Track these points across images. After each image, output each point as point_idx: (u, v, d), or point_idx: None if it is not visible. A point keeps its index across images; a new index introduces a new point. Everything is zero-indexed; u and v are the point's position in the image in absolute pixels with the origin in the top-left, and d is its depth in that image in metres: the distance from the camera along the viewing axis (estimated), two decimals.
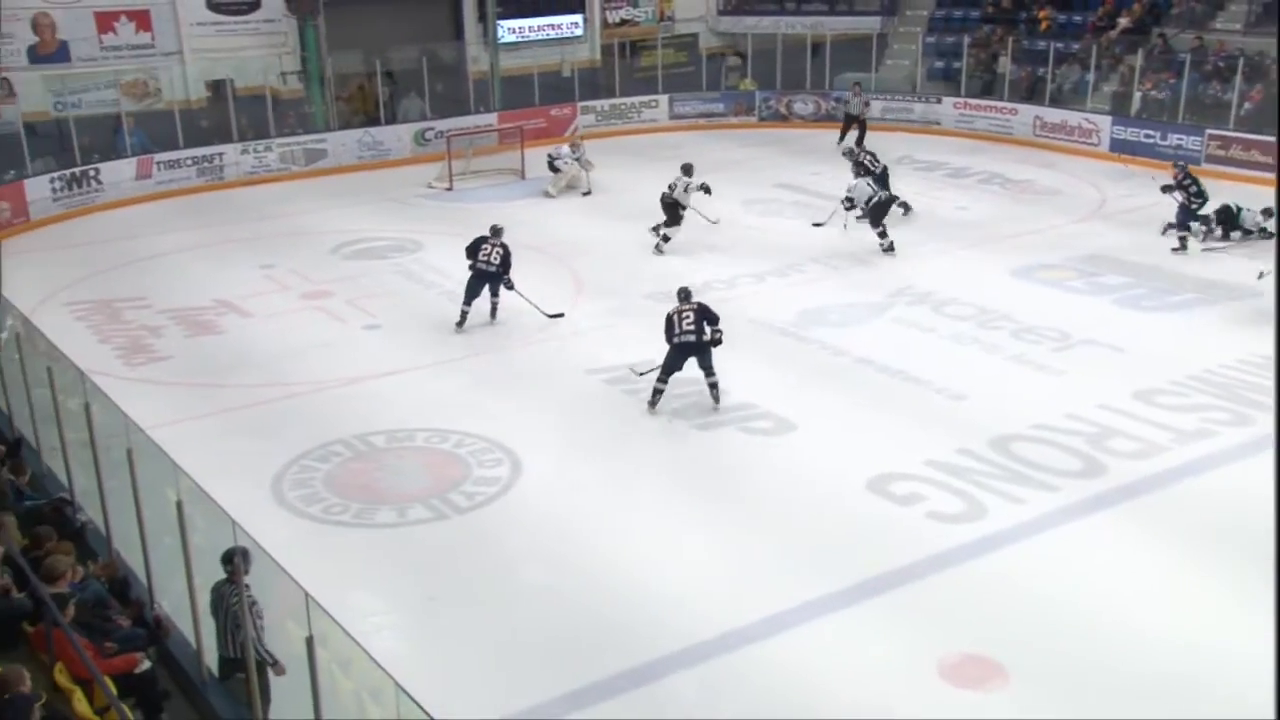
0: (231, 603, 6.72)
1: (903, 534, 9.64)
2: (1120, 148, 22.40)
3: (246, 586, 6.73)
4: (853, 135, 23.56)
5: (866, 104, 24.55)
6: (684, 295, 12.52)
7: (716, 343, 12.01)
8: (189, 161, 21.84)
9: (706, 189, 17.45)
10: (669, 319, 12.17)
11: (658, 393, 12.03)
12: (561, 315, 14.68)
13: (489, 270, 14.21)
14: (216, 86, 22.89)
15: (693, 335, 11.94)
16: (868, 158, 19.02)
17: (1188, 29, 23.60)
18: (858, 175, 18.20)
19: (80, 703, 6.45)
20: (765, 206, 20.03)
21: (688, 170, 17.53)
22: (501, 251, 14.26)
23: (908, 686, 7.84)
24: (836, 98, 26.42)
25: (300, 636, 5.80)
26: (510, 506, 10.28)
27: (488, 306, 14.56)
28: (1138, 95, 22.91)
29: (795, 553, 9.42)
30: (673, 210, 17.51)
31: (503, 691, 7.87)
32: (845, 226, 17.78)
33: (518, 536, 9.82)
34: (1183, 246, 16.95)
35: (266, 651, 6.84)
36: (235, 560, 6.58)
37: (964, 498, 10.13)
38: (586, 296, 15.59)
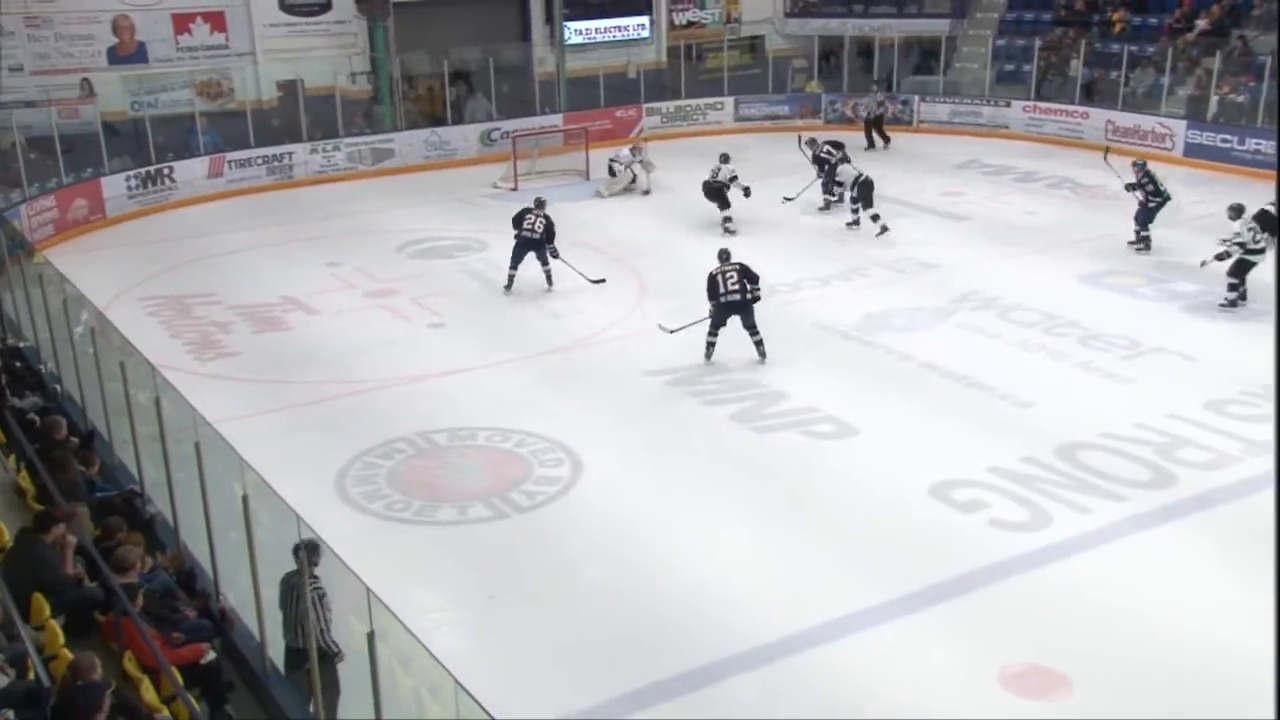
0: (302, 592, 6.83)
1: (965, 541, 9.53)
2: (1195, 153, 21.96)
3: (316, 578, 6.88)
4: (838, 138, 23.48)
5: (881, 104, 25.13)
6: (725, 256, 13.60)
7: (757, 299, 13.07)
8: (259, 160, 22.21)
9: (747, 191, 18.44)
10: (712, 278, 13.15)
11: (710, 345, 13.20)
12: (603, 281, 15.69)
13: (533, 238, 15.48)
14: (287, 86, 23.23)
15: (737, 295, 12.96)
16: (826, 149, 19.50)
17: (1269, 31, 23.04)
18: (817, 165, 19.44)
19: (148, 691, 6.58)
20: (829, 210, 19.86)
21: (725, 159, 18.68)
22: (544, 221, 15.52)
23: (969, 695, 7.74)
24: (904, 100, 26.23)
25: (362, 632, 5.87)
26: (570, 506, 10.31)
27: (540, 276, 15.78)
28: (1214, 99, 22.41)
29: (856, 557, 9.35)
30: (719, 195, 18.43)
31: (562, 691, 7.89)
32: (828, 205, 19.27)
33: (578, 536, 9.85)
34: (1145, 247, 16.87)
35: (332, 641, 6.97)
36: (302, 553, 6.73)
37: (1028, 506, 9.99)
38: (649, 297, 15.60)
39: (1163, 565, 9.16)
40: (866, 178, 18.33)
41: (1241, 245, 14.44)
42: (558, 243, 15.69)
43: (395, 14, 24.20)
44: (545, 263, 15.69)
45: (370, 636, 5.80)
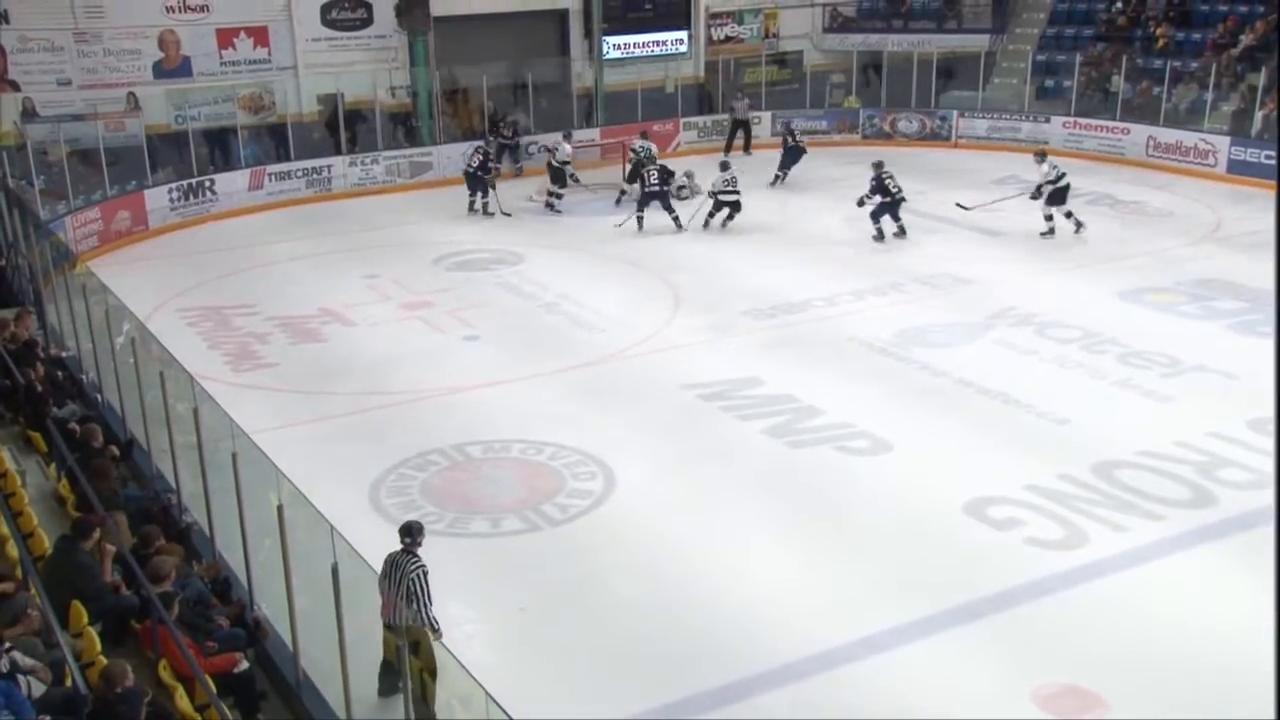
0: (407, 570, 7.34)
1: (1000, 559, 9.44)
2: (1239, 169, 21.71)
3: (418, 557, 7.47)
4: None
5: (750, 107, 25.68)
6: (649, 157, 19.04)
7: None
8: (299, 173, 22.45)
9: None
10: (639, 173, 19.56)
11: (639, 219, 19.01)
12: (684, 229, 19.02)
13: (655, 190, 19.28)
14: (328, 100, 23.48)
15: (656, 187, 18.85)
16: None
17: None
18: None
19: (182, 699, 6.64)
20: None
21: (724, 167, 19.73)
22: (658, 172, 19.51)
23: (1003, 714, 7.66)
24: (942, 116, 26.15)
25: (393, 643, 5.89)
26: (603, 520, 10.31)
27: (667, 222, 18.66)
28: (1259, 115, 22.15)
29: (890, 574, 9.28)
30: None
31: (591, 703, 7.88)
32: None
33: (610, 549, 9.84)
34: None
35: (433, 618, 7.39)
36: (414, 532, 7.60)
37: (1064, 524, 9.88)
38: (684, 312, 15.61)
39: (1201, 586, 9.03)
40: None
41: (1052, 183, 18.29)
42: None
43: (435, 28, 24.40)
44: (669, 210, 19.21)
45: (400, 649, 5.83)
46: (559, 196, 21.35)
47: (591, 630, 8.71)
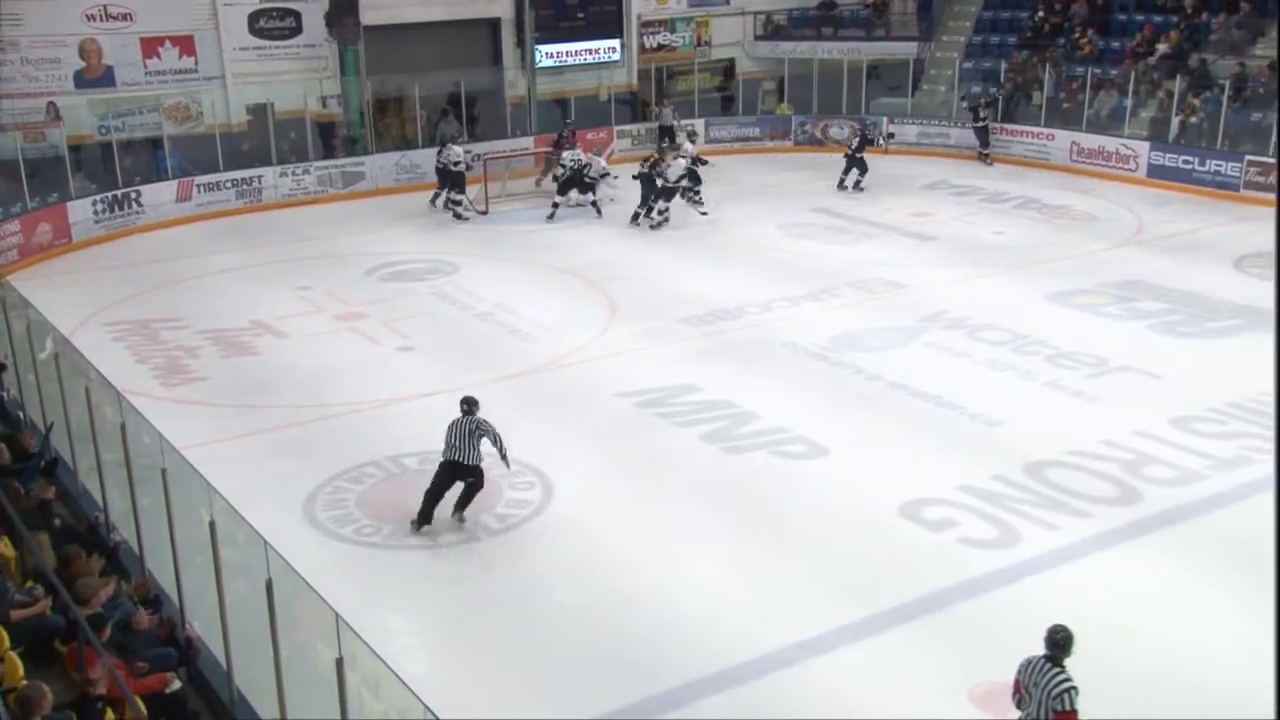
0: (480, 424, 10.07)
1: (935, 560, 9.56)
2: (1158, 173, 22.27)
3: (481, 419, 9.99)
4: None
5: (676, 114, 26.19)
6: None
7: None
8: (228, 184, 22.13)
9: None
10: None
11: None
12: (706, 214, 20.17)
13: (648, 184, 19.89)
14: (257, 110, 23.17)
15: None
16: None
17: (1228, 55, 23.41)
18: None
19: None
20: (801, 230, 20.01)
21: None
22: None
23: (939, 713, 7.75)
24: (872, 122, 26.46)
25: (330, 658, 5.82)
26: (542, 529, 10.29)
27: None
28: (1176, 121, 22.71)
29: (827, 577, 9.36)
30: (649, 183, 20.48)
31: (532, 713, 7.85)
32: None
33: (549, 559, 9.82)
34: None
35: (506, 454, 10.05)
36: (473, 402, 10.26)
37: (997, 524, 10.04)
38: (620, 320, 15.62)
39: (1129, 581, 9.22)
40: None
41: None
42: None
43: (366, 37, 24.19)
44: (695, 197, 20.40)
45: (339, 662, 5.76)
46: (457, 202, 21.34)
47: (531, 640, 8.67)
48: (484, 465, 10.16)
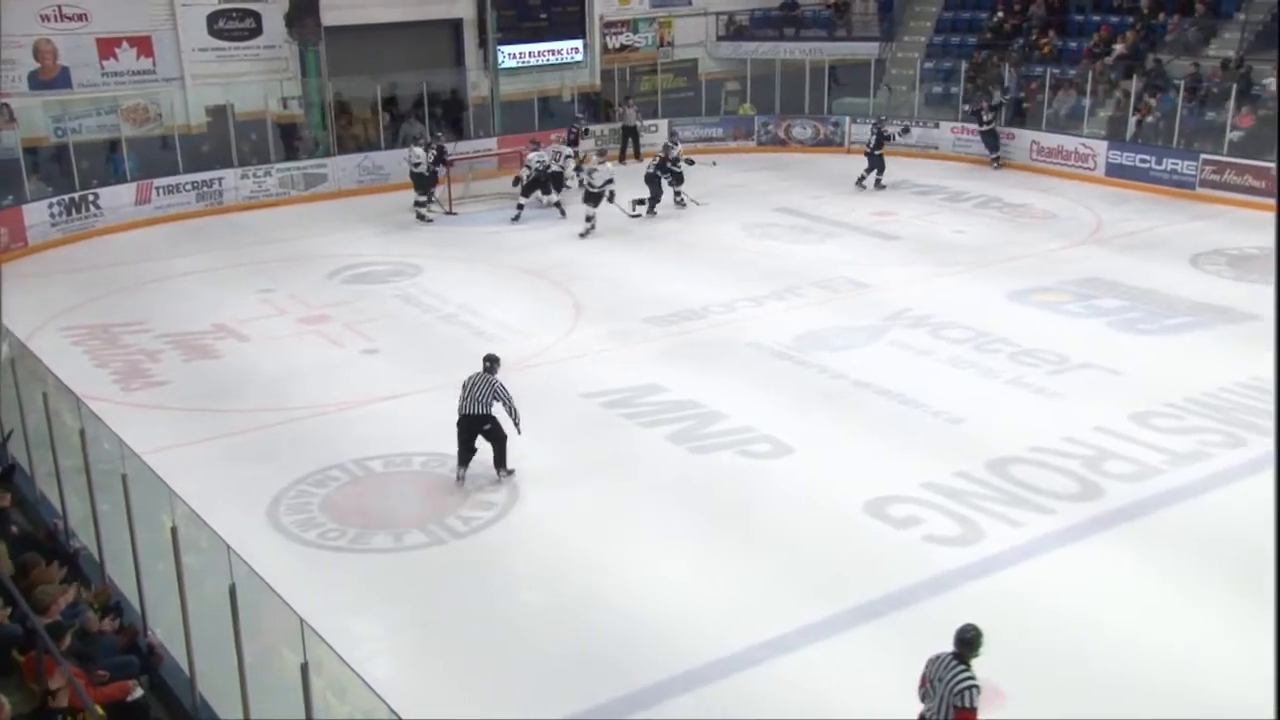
0: (492, 383, 10.83)
1: (900, 557, 9.62)
2: (1116, 172, 22.54)
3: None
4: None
5: (639, 114, 26.18)
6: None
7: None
8: (188, 186, 21.93)
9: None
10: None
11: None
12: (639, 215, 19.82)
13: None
14: (217, 112, 22.96)
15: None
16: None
17: (1183, 55, 23.72)
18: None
19: None
20: (764, 230, 20.08)
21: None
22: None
23: (905, 710, 7.77)
24: (835, 122, 26.63)
25: (295, 663, 5.78)
26: (507, 531, 10.26)
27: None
28: (1133, 120, 22.99)
29: (793, 575, 9.39)
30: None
31: (500, 715, 7.82)
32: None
33: (515, 560, 9.80)
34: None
35: (518, 419, 10.90)
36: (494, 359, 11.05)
37: (961, 520, 10.12)
38: (585, 321, 15.61)
39: (1091, 576, 9.31)
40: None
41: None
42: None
43: (327, 38, 24.03)
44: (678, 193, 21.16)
45: (304, 668, 5.72)
46: (424, 204, 21.24)
47: (497, 642, 8.65)
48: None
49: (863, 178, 22.79)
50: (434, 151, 21.37)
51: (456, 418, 10.93)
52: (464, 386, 10.95)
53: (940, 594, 9.06)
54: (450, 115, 25.98)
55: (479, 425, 10.92)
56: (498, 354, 11.22)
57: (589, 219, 19.67)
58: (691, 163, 21.77)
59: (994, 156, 24.24)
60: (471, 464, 11.00)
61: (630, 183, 20.95)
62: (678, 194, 21.20)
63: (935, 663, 6.58)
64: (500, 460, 11.07)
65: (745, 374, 13.63)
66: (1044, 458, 11.21)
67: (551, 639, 8.65)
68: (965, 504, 10.37)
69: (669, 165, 21.02)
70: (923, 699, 6.66)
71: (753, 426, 12.05)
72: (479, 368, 11.09)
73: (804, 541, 9.92)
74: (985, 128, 24.17)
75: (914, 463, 11.17)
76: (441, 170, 21.49)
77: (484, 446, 11.03)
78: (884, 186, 22.66)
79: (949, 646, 6.78)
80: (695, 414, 12.39)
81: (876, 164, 22.72)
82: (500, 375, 11.01)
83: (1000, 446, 11.43)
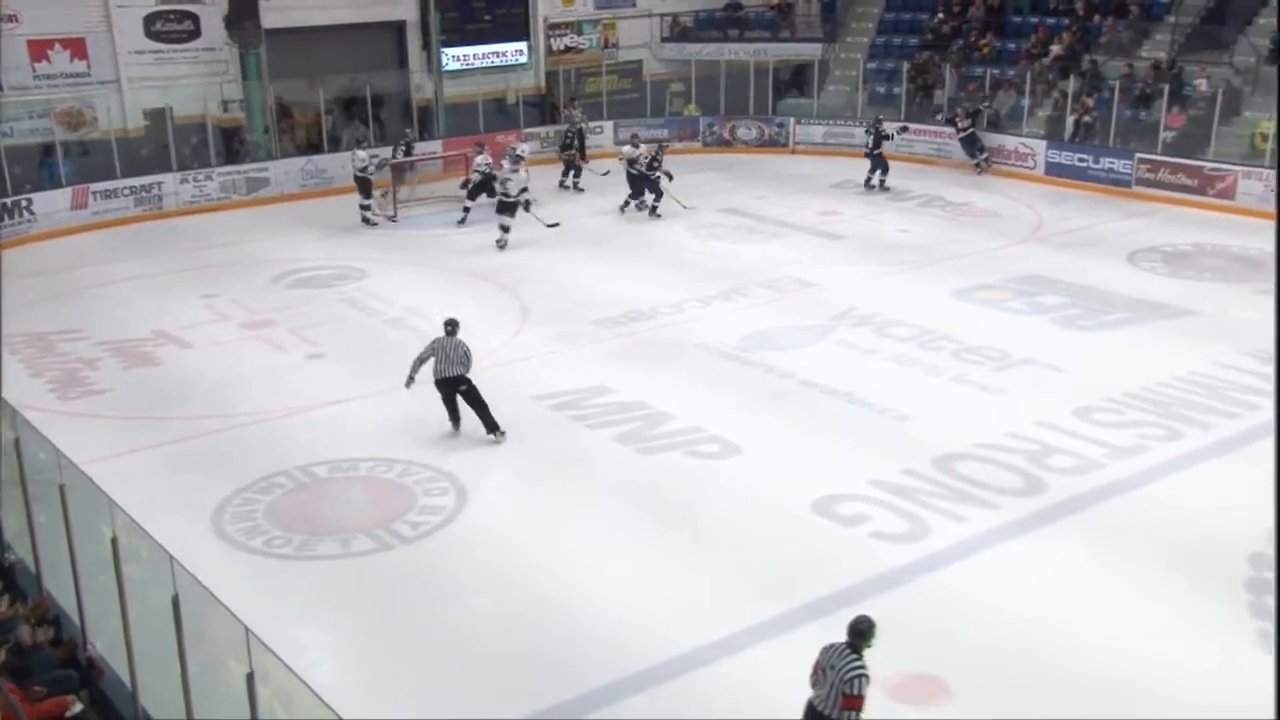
0: (449, 348, 11.75)
1: (848, 554, 9.69)
2: (1055, 170, 22.88)
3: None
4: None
5: (585, 116, 25.82)
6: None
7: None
8: (126, 191, 21.59)
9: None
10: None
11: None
12: (558, 224, 18.88)
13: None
14: (155, 115, 22.61)
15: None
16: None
17: (1117, 56, 24.14)
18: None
19: None
20: (710, 231, 20.16)
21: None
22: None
23: None
24: (779, 123, 26.78)
25: (240, 673, 5.71)
26: (457, 535, 10.20)
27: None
28: (1071, 120, 23.35)
29: (742, 575, 9.42)
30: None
31: None
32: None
33: (465, 565, 9.74)
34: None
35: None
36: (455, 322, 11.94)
37: (908, 517, 10.21)
38: (532, 323, 15.57)
39: (1034, 570, 9.43)
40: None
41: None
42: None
43: (268, 40, 23.75)
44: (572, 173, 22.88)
45: (249, 677, 5.65)
46: (367, 208, 21.12)
47: (447, 648, 8.60)
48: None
49: (869, 179, 22.80)
50: (404, 147, 21.50)
51: (435, 380, 11.84)
52: (434, 350, 11.74)
53: (888, 590, 9.13)
54: (396, 118, 25.80)
55: (455, 386, 11.74)
56: (454, 317, 12.13)
57: (504, 229, 19.06)
58: (656, 169, 21.22)
59: (976, 161, 24.00)
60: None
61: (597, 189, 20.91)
62: (642, 203, 20.98)
63: (829, 651, 6.77)
64: (489, 425, 11.82)
65: (693, 374, 13.66)
66: (988, 453, 11.34)
67: (501, 643, 8.62)
68: (912, 501, 10.47)
69: (640, 170, 20.82)
70: (814, 685, 6.83)
71: (701, 427, 12.08)
72: (428, 371, 11.10)
73: (752, 540, 9.95)
74: (963, 134, 23.98)
75: (861, 461, 11.26)
76: (386, 173, 21.38)
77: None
78: (888, 188, 22.61)
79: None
80: (643, 415, 12.40)
81: (879, 164, 22.74)
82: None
83: (945, 443, 11.55)
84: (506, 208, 19.19)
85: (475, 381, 11.84)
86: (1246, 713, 7.53)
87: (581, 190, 23.25)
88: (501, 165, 20.48)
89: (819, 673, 6.77)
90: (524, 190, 19.43)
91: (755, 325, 15.16)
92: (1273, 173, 20.07)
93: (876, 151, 22.74)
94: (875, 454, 11.40)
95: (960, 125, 24.10)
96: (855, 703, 6.60)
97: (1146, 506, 10.36)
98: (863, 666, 6.61)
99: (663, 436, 11.94)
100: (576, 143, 24.79)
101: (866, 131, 23.33)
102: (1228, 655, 8.21)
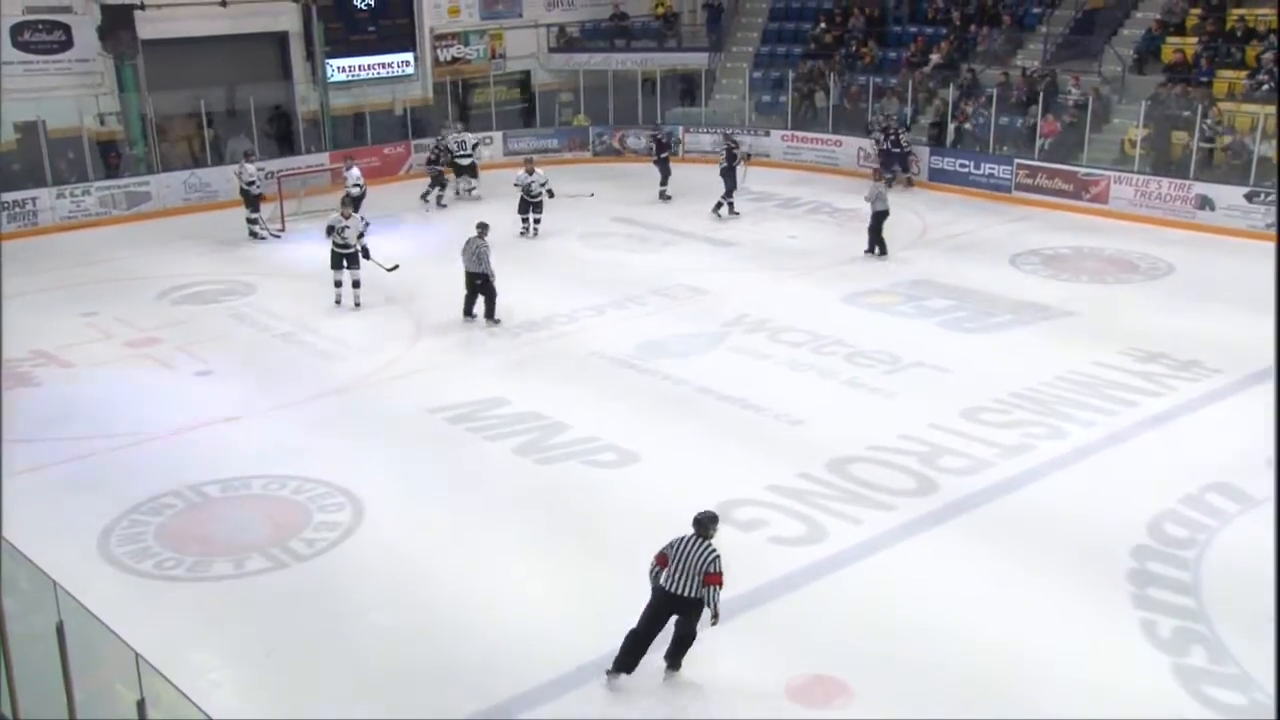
0: (474, 249, 15.23)
1: (747, 559, 9.72)
2: (938, 176, 23.49)
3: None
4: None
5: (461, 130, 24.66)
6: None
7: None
8: None
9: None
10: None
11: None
12: (398, 267, 16.93)
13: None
14: (27, 128, 21.83)
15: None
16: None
17: (993, 65, 24.91)
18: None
19: None
20: (602, 240, 20.24)
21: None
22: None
23: (757, 710, 7.95)
24: (669, 132, 26.95)
25: (130, 700, 5.57)
26: (353, 551, 10.06)
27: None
28: (952, 127, 24.01)
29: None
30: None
31: None
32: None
33: (362, 581, 9.60)
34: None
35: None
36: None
37: (805, 521, 10.37)
38: (427, 335, 15.44)
39: (929, 569, 9.66)
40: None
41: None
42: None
43: (145, 52, 23.12)
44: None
45: (140, 704, 5.51)
46: (254, 222, 20.69)
47: (347, 665, 8.47)
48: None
49: (719, 203, 21.66)
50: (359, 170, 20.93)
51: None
52: (465, 246, 15.32)
53: (787, 594, 9.28)
54: (279, 130, 25.35)
55: (475, 280, 15.30)
56: (485, 221, 15.67)
57: (338, 284, 16.60)
58: (552, 195, 20.52)
59: (894, 174, 22.96)
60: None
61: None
62: (524, 220, 20.50)
63: (679, 543, 7.98)
64: (490, 312, 15.47)
65: (589, 384, 13.69)
66: (882, 455, 11.58)
67: (402, 658, 8.52)
68: (808, 504, 10.64)
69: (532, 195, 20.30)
70: (655, 576, 8.00)
71: (597, 436, 12.11)
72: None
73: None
74: (881, 148, 23.64)
75: (757, 466, 11.40)
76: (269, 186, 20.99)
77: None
78: (738, 213, 21.58)
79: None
80: (540, 425, 12.38)
81: (729, 183, 21.52)
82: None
83: (840, 446, 11.76)
84: (347, 259, 16.39)
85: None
86: (1135, 700, 7.84)
87: (444, 206, 22.83)
88: (347, 212, 16.74)
89: (667, 565, 7.93)
90: (361, 235, 16.54)
91: (649, 333, 15.26)
92: (1142, 177, 20.95)
93: (727, 166, 21.55)
94: (771, 459, 11.56)
95: (881, 141, 23.62)
96: (718, 579, 7.84)
97: (1034, 503, 10.70)
98: (716, 550, 7.89)
99: (560, 446, 11.94)
100: (446, 159, 23.85)
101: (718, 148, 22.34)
102: (1115, 647, 8.51)
